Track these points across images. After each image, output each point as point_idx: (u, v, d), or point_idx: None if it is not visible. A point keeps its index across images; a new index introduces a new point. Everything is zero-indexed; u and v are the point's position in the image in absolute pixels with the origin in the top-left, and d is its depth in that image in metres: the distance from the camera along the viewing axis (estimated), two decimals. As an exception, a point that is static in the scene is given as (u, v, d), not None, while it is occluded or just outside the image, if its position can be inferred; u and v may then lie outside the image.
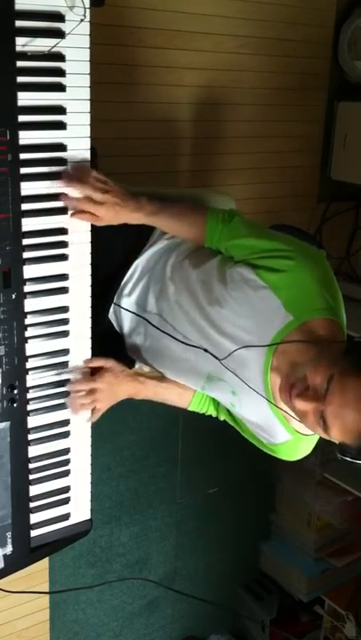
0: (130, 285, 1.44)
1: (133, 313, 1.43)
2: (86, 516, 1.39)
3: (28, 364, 1.23)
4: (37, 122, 1.15)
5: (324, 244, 3.03)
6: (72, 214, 1.23)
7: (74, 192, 1.22)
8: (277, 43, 2.71)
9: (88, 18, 1.14)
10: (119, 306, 1.45)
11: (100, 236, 1.30)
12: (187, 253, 1.39)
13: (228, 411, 1.43)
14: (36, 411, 1.26)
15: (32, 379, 1.24)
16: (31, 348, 1.22)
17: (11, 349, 1.18)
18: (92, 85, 1.19)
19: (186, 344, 1.32)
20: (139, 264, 1.43)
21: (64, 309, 1.25)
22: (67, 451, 1.33)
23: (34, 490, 1.29)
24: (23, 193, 1.15)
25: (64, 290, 1.25)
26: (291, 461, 1.37)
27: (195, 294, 1.31)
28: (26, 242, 1.17)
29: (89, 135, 1.22)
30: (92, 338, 1.31)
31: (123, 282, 1.45)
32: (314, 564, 3.35)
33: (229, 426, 1.45)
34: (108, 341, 1.44)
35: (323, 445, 1.29)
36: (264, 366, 1.22)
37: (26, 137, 1.14)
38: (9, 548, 1.26)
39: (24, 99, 1.12)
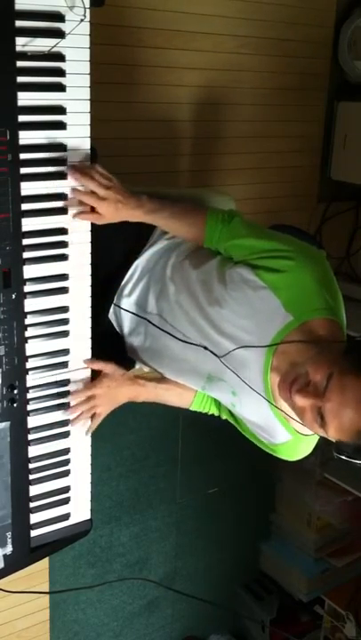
0: (130, 285, 1.44)
1: (133, 313, 1.43)
2: (86, 516, 1.39)
3: (28, 364, 1.23)
4: (37, 122, 1.15)
5: (324, 244, 3.03)
6: (74, 215, 1.24)
7: (78, 186, 1.23)
8: (277, 43, 2.71)
9: (88, 18, 1.14)
10: (119, 307, 1.45)
11: (100, 236, 1.30)
12: (187, 254, 1.39)
13: (229, 410, 1.43)
14: (36, 411, 1.26)
15: (32, 379, 1.24)
16: (31, 348, 1.22)
17: (11, 349, 1.18)
18: (92, 85, 1.19)
19: (185, 342, 1.31)
20: (139, 264, 1.43)
21: (64, 309, 1.25)
22: (67, 451, 1.33)
23: (34, 490, 1.29)
24: (23, 193, 1.15)
25: (64, 290, 1.25)
26: (291, 461, 1.37)
27: (195, 294, 1.31)
28: (26, 242, 1.17)
29: (89, 135, 1.22)
30: (92, 338, 1.31)
31: (123, 282, 1.45)
32: (314, 563, 3.35)
33: (229, 426, 1.45)
34: (107, 342, 1.44)
35: (323, 445, 1.29)
36: (264, 366, 1.22)
37: (26, 137, 1.14)
38: (9, 548, 1.26)
39: (24, 99, 1.12)
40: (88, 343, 1.31)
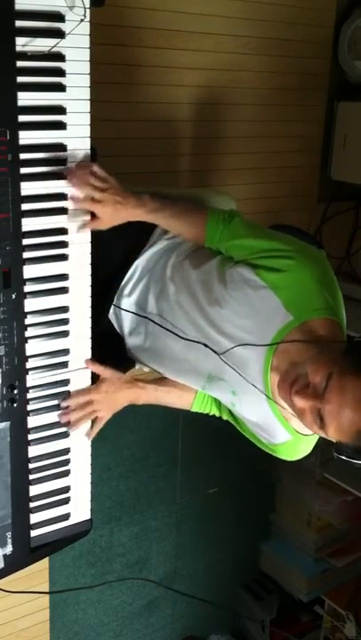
0: (130, 286, 1.44)
1: (134, 313, 1.43)
2: (86, 516, 1.39)
3: (28, 364, 1.23)
4: (37, 122, 1.15)
5: (324, 244, 3.03)
6: (78, 229, 1.25)
7: (75, 193, 1.23)
8: (277, 43, 2.71)
9: (88, 18, 1.14)
10: (119, 307, 1.45)
11: (100, 236, 1.30)
12: (187, 254, 1.39)
13: (229, 410, 1.43)
14: (36, 411, 1.26)
15: (32, 379, 1.24)
16: (31, 348, 1.22)
17: (11, 349, 1.18)
18: (92, 85, 1.19)
19: (186, 339, 1.31)
20: (139, 264, 1.43)
21: (64, 309, 1.25)
22: (67, 451, 1.33)
23: (34, 490, 1.29)
24: (23, 193, 1.15)
25: (64, 290, 1.25)
26: (291, 461, 1.37)
27: (195, 294, 1.32)
28: (26, 242, 1.17)
29: (89, 135, 1.22)
30: (92, 338, 1.31)
31: (123, 282, 1.45)
32: (314, 563, 3.35)
33: (229, 426, 1.45)
34: (108, 342, 1.44)
35: (323, 445, 1.29)
36: (264, 366, 1.22)
37: (26, 137, 1.14)
38: (9, 548, 1.26)
39: (24, 99, 1.12)
40: (88, 343, 1.31)
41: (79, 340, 1.29)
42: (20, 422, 1.23)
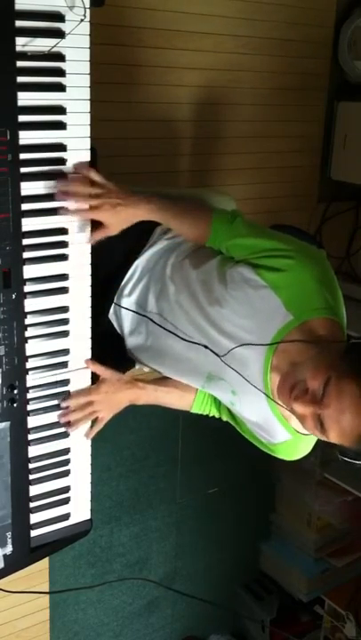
0: (130, 285, 1.44)
1: (134, 312, 1.43)
2: (86, 515, 1.39)
3: (28, 364, 1.22)
4: (37, 122, 1.15)
5: (324, 243, 3.03)
6: (91, 241, 1.25)
7: (71, 206, 1.23)
8: (277, 43, 2.71)
9: (88, 18, 1.14)
10: (119, 305, 1.45)
11: (100, 235, 1.30)
12: (187, 253, 1.39)
13: (229, 410, 1.43)
14: (36, 411, 1.26)
15: (32, 379, 1.24)
16: (31, 348, 1.22)
17: (11, 349, 1.18)
18: (92, 85, 1.19)
19: (187, 340, 1.31)
20: (139, 264, 1.43)
21: (64, 309, 1.25)
22: (67, 451, 1.33)
23: (34, 490, 1.29)
24: (23, 193, 1.15)
25: (64, 290, 1.24)
26: (290, 461, 1.37)
27: (195, 294, 1.31)
28: (26, 242, 1.17)
29: (89, 135, 1.22)
30: (92, 338, 1.31)
31: (123, 282, 1.45)
32: (314, 563, 3.35)
33: (229, 426, 1.45)
34: (108, 342, 1.44)
35: (323, 445, 1.29)
36: (264, 365, 1.22)
37: (26, 137, 1.13)
38: (9, 548, 1.26)
39: (24, 99, 1.12)
40: (88, 343, 1.31)
41: (79, 340, 1.29)
42: (20, 422, 1.23)
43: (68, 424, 1.31)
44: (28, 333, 1.21)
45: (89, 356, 1.32)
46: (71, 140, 1.20)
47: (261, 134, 2.78)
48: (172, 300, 1.35)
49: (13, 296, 1.17)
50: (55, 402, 1.29)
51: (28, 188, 1.15)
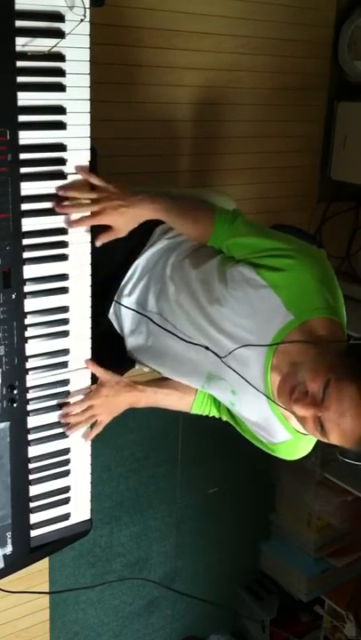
0: (130, 285, 1.44)
1: (134, 311, 1.43)
2: (86, 516, 1.39)
3: (28, 364, 1.22)
4: (37, 122, 1.15)
5: (324, 243, 3.03)
6: (97, 243, 1.26)
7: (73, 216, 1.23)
8: (277, 43, 2.71)
9: (88, 18, 1.14)
10: (120, 303, 1.45)
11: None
12: (187, 253, 1.39)
13: (228, 410, 1.43)
14: (36, 411, 1.26)
15: (32, 379, 1.24)
16: (31, 348, 1.22)
17: (11, 349, 1.18)
18: (92, 85, 1.19)
19: (188, 342, 1.31)
20: (139, 264, 1.43)
21: (64, 309, 1.25)
22: (67, 451, 1.33)
23: (34, 490, 1.29)
24: (23, 193, 1.15)
25: (64, 290, 1.24)
26: (290, 461, 1.37)
27: (195, 294, 1.31)
28: (26, 242, 1.17)
29: (89, 135, 1.22)
30: (92, 338, 1.31)
31: (123, 282, 1.45)
32: (314, 563, 3.35)
33: (229, 426, 1.45)
34: (108, 342, 1.44)
35: (323, 445, 1.29)
36: (264, 365, 1.22)
37: (26, 137, 1.13)
38: (9, 548, 1.26)
39: (24, 99, 1.12)
40: (88, 343, 1.31)
41: (79, 340, 1.29)
42: (20, 422, 1.23)
43: (68, 428, 1.31)
44: (27, 333, 1.21)
45: (89, 355, 1.32)
46: (71, 140, 1.20)
47: (261, 134, 2.78)
48: (172, 300, 1.35)
49: (13, 296, 1.17)
50: (55, 402, 1.29)
51: (28, 187, 1.15)
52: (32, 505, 1.29)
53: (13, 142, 1.11)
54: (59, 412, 1.30)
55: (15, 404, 1.21)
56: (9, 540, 1.26)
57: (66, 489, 1.34)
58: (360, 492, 3.00)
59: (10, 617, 2.67)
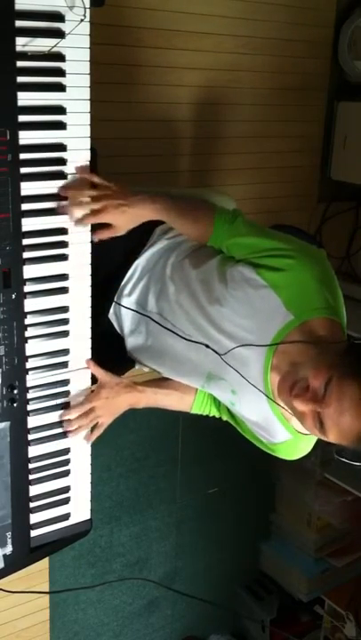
0: (130, 285, 1.44)
1: (134, 311, 1.43)
2: (86, 516, 1.39)
3: (28, 364, 1.22)
4: (37, 122, 1.15)
5: (324, 243, 3.03)
6: (95, 238, 1.25)
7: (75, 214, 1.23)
8: (277, 43, 2.71)
9: (88, 18, 1.14)
10: (120, 304, 1.45)
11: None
12: (187, 253, 1.39)
13: (228, 410, 1.43)
14: (36, 411, 1.26)
15: (32, 379, 1.24)
16: (31, 348, 1.22)
17: (11, 349, 1.18)
18: (92, 85, 1.19)
19: (188, 340, 1.31)
20: (139, 264, 1.43)
21: (64, 309, 1.25)
22: (67, 451, 1.33)
23: (34, 490, 1.29)
24: (23, 193, 1.15)
25: (64, 290, 1.24)
26: (291, 461, 1.37)
27: (195, 294, 1.31)
28: (26, 242, 1.17)
29: (89, 135, 1.22)
30: (92, 338, 1.31)
31: (123, 282, 1.45)
32: (314, 563, 3.35)
33: (229, 426, 1.45)
34: (107, 342, 1.44)
35: (323, 445, 1.29)
36: (264, 365, 1.22)
37: (26, 137, 1.13)
38: (9, 548, 1.26)
39: (24, 99, 1.12)
40: (88, 343, 1.31)
41: (79, 340, 1.29)
42: (20, 422, 1.23)
43: (70, 432, 1.31)
44: (27, 333, 1.21)
45: (89, 355, 1.32)
46: (71, 140, 1.20)
47: (261, 134, 2.78)
48: (172, 300, 1.35)
49: (13, 296, 1.17)
50: (55, 402, 1.29)
51: (28, 187, 1.15)
52: (32, 505, 1.29)
53: (13, 142, 1.11)
54: (59, 412, 1.30)
55: (15, 404, 1.21)
56: (9, 540, 1.26)
57: (66, 489, 1.34)
58: (360, 491, 3.00)
59: (10, 617, 2.67)
